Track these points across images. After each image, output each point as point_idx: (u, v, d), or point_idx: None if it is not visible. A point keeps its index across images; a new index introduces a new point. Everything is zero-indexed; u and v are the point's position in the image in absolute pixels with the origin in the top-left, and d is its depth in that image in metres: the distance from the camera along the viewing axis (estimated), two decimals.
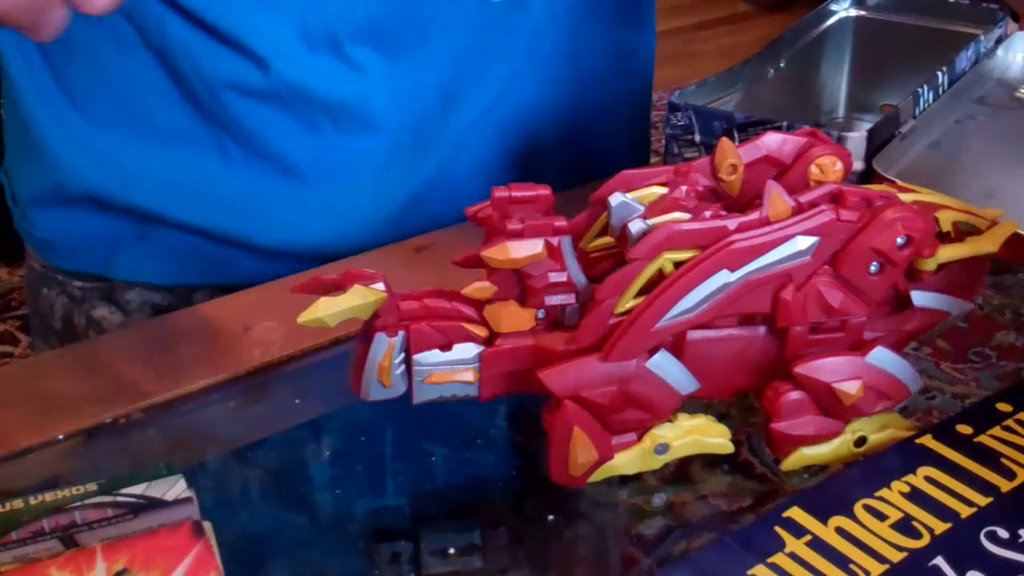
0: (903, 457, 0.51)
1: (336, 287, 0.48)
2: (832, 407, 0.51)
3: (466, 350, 0.49)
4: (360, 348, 0.49)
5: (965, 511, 0.48)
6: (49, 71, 0.73)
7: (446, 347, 0.49)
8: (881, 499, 0.48)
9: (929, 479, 0.49)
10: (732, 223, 0.48)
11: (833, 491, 0.49)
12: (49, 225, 0.78)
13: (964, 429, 0.52)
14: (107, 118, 0.73)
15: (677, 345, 0.50)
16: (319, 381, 0.62)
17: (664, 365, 0.50)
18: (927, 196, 0.55)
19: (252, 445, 0.56)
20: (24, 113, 0.75)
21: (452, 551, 0.50)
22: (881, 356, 0.51)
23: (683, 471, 0.53)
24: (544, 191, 0.50)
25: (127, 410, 0.58)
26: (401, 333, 0.49)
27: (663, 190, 0.51)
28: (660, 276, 0.48)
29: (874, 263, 0.50)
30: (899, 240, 0.49)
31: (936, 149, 0.76)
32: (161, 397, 0.59)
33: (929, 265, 0.52)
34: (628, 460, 0.52)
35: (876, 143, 0.70)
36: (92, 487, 0.48)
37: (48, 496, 0.48)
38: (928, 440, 0.52)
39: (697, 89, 0.76)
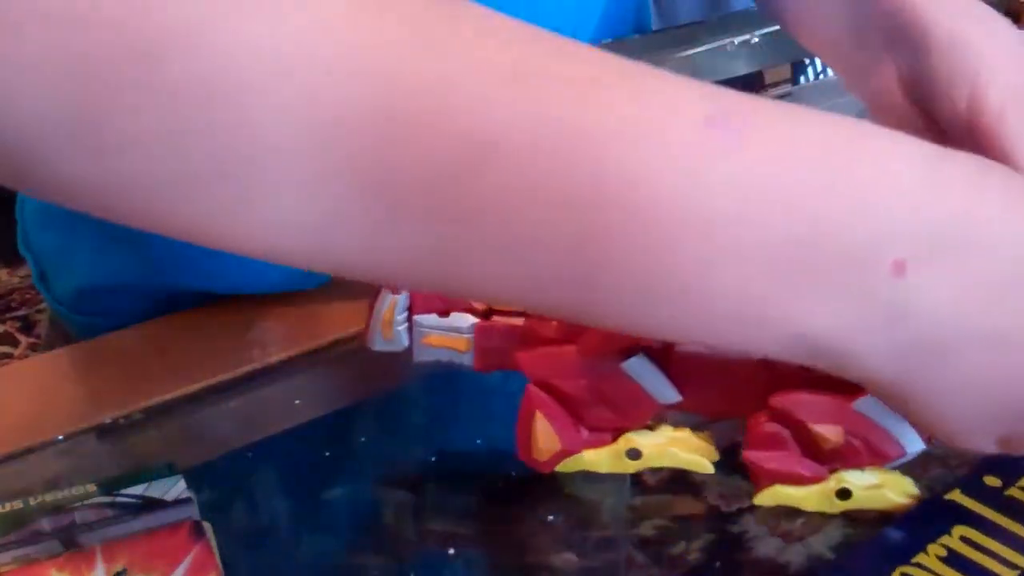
0: (935, 516, 0.48)
1: None
2: (812, 450, 0.49)
3: (462, 319, 0.51)
4: (371, 299, 0.51)
5: (1008, 575, 0.46)
6: None
7: (444, 313, 0.51)
8: (919, 566, 0.46)
9: (965, 539, 0.47)
10: None
11: (866, 559, 0.47)
12: (107, 309, 0.71)
13: (992, 481, 0.50)
14: None
15: (664, 353, 0.49)
16: (319, 381, 0.62)
17: (640, 370, 0.49)
18: None
19: (252, 445, 0.56)
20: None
21: (452, 552, 0.50)
22: (871, 406, 0.47)
23: (683, 471, 0.53)
24: None
25: (127, 410, 0.58)
26: (405, 292, 0.50)
27: None
28: None
29: None
30: None
31: None
32: (161, 397, 0.59)
33: None
34: (600, 459, 0.52)
35: None
36: (92, 487, 0.48)
37: (48, 496, 0.48)
38: (957, 495, 0.49)
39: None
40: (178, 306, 0.68)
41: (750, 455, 0.50)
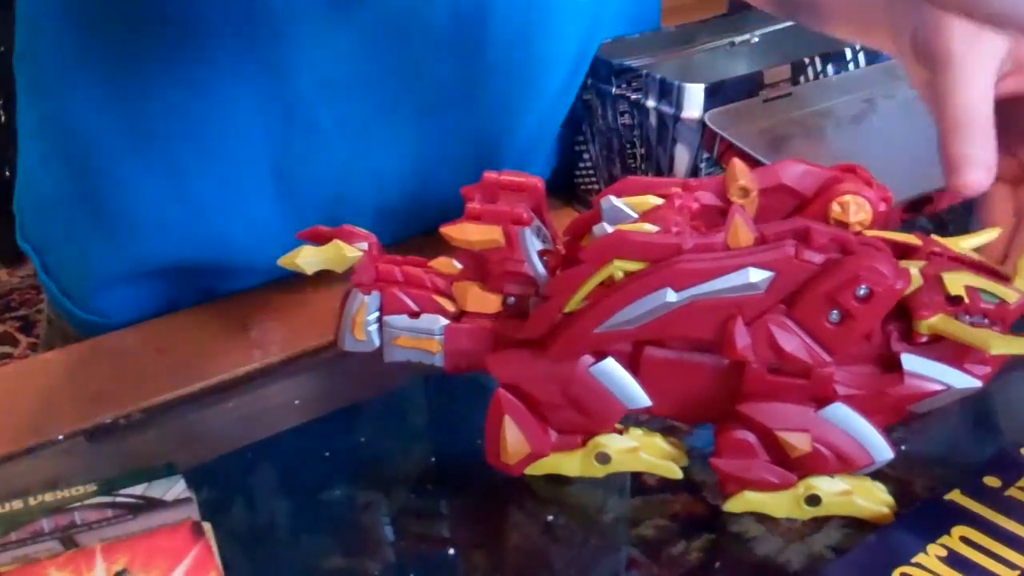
0: (935, 516, 0.49)
1: (328, 239, 0.50)
2: (781, 457, 0.49)
3: (432, 321, 0.51)
4: (342, 299, 0.51)
5: (1008, 575, 0.46)
6: (148, 135, 0.66)
7: (415, 315, 0.51)
8: (919, 566, 0.46)
9: (965, 540, 0.47)
10: (689, 242, 0.46)
11: (866, 559, 0.47)
12: (110, 306, 0.70)
13: (992, 482, 0.50)
14: (207, 176, 0.67)
15: (634, 358, 0.49)
16: (319, 381, 0.62)
17: (609, 374, 0.49)
18: (958, 250, 0.49)
19: (252, 445, 0.56)
20: (106, 184, 0.67)
21: (452, 552, 0.50)
22: (838, 414, 0.47)
23: (683, 471, 0.53)
24: (535, 182, 0.50)
25: (127, 410, 0.58)
26: (376, 293, 0.50)
27: (660, 201, 0.50)
28: (612, 283, 0.47)
29: (834, 311, 0.46)
30: (860, 291, 0.45)
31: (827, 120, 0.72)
32: (161, 397, 0.59)
33: (923, 328, 0.47)
34: (570, 462, 0.52)
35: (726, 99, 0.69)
36: (92, 487, 0.48)
37: (48, 496, 0.48)
38: (957, 495, 0.49)
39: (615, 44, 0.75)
40: (179, 305, 0.68)
41: (718, 462, 0.49)
